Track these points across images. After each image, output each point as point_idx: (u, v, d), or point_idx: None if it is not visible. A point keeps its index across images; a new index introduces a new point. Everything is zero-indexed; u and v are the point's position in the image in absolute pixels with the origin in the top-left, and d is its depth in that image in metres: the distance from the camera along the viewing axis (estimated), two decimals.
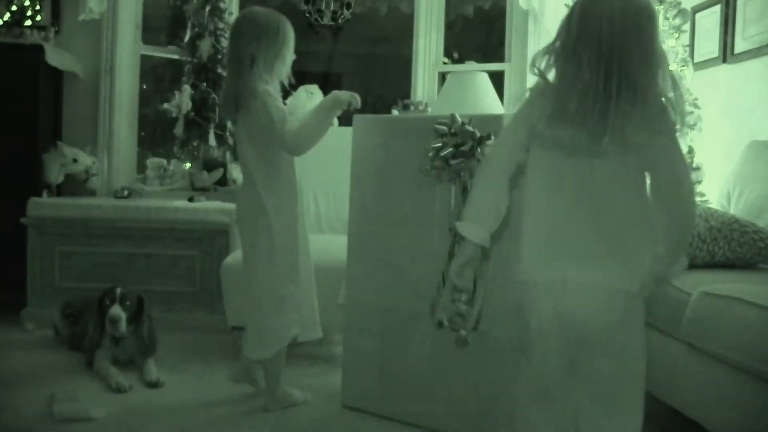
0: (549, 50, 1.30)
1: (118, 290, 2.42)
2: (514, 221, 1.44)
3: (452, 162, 1.89)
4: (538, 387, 1.37)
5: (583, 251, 1.29)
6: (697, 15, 3.15)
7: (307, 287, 2.19)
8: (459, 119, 1.90)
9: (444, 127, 1.92)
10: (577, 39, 1.26)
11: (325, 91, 3.73)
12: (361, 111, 2.14)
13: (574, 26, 1.27)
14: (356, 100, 2.04)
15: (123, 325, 2.37)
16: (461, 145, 1.88)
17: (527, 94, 1.34)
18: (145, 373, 2.34)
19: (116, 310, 2.37)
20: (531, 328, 1.34)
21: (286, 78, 2.14)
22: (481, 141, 1.87)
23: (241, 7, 3.94)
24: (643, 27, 1.25)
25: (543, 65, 1.30)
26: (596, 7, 1.25)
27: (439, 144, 1.91)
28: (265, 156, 2.06)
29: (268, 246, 2.04)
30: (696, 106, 2.78)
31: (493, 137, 1.86)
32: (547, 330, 1.32)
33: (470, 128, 1.88)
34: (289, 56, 2.11)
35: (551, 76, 1.31)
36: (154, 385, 2.28)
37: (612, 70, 1.22)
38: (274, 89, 2.06)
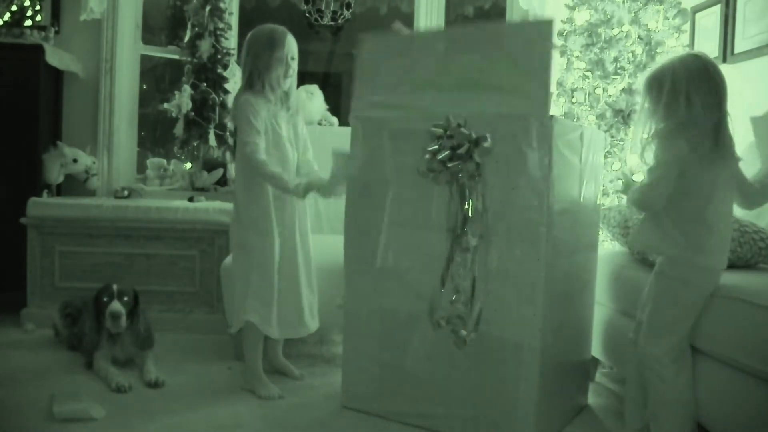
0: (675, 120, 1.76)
1: (115, 286, 2.43)
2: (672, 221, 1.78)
3: (449, 165, 1.89)
4: (681, 348, 1.79)
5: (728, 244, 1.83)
6: (697, 15, 3.15)
7: (291, 287, 2.30)
8: (453, 121, 1.90)
9: (440, 130, 1.92)
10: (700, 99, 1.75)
11: (325, 91, 3.75)
12: None
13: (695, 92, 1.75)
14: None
15: (124, 320, 2.39)
16: (458, 148, 1.88)
17: (672, 151, 1.75)
18: (145, 373, 2.34)
19: (116, 305, 2.38)
20: (690, 303, 1.76)
21: (278, 84, 2.28)
22: (477, 142, 1.87)
23: (241, 7, 3.94)
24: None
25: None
26: (715, 70, 1.79)
27: (436, 147, 1.91)
28: (240, 158, 2.28)
29: (240, 240, 2.28)
30: None
31: (489, 139, 1.86)
32: (700, 306, 1.76)
33: (465, 130, 1.88)
34: (279, 66, 2.26)
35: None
36: (154, 385, 2.28)
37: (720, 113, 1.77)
38: (265, 99, 2.25)
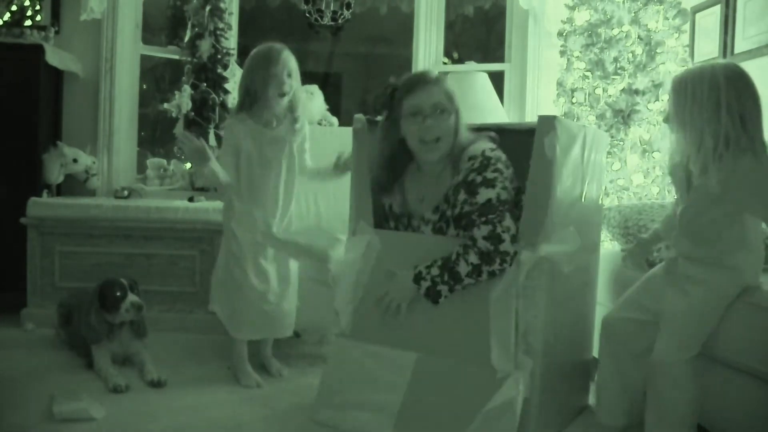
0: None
1: (124, 280, 2.46)
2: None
3: None
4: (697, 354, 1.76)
5: None
6: (697, 15, 3.16)
7: (278, 288, 2.37)
8: None
9: None
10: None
11: (325, 91, 3.75)
12: (362, 111, 2.15)
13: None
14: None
15: (144, 310, 2.47)
16: None
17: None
18: (145, 373, 2.34)
19: (136, 297, 2.44)
20: (722, 313, 1.73)
21: (275, 102, 2.29)
22: None
23: (241, 7, 3.94)
24: None
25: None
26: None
27: None
28: None
29: (224, 241, 2.39)
30: None
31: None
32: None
33: None
34: (273, 84, 2.26)
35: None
36: (156, 384, 2.29)
37: None
38: (255, 118, 2.31)
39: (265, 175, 2.34)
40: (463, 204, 1.85)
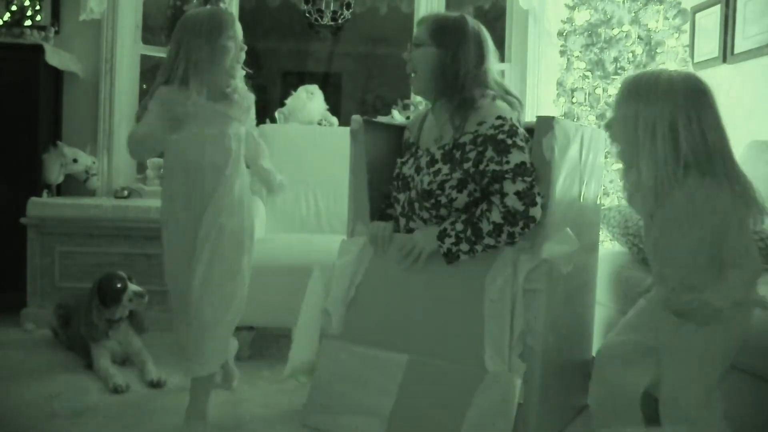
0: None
1: (122, 273, 2.48)
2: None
3: None
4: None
5: None
6: (697, 15, 3.15)
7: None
8: None
9: None
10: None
11: (325, 91, 3.75)
12: (361, 111, 2.14)
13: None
14: None
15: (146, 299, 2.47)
16: None
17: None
18: (146, 373, 2.35)
19: (136, 287, 2.46)
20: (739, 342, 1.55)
21: (224, 81, 1.94)
22: None
23: (241, 7, 3.94)
24: None
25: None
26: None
27: None
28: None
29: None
30: None
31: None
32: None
33: None
34: (226, 56, 1.91)
35: None
36: (156, 384, 2.29)
37: None
38: (196, 92, 1.85)
39: (193, 160, 1.91)
40: (489, 161, 1.83)
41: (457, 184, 1.87)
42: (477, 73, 1.92)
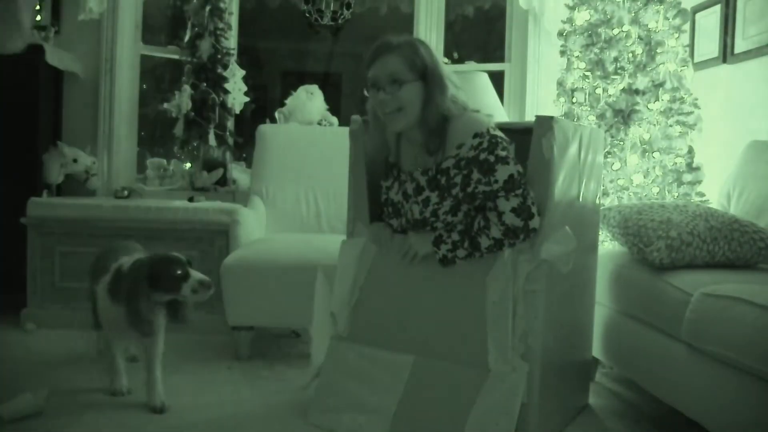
0: None
1: (180, 256, 2.00)
2: None
3: None
4: None
5: None
6: (697, 15, 3.15)
7: None
8: None
9: None
10: None
11: (325, 91, 3.75)
12: (361, 111, 2.14)
13: None
14: None
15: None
16: None
17: None
18: (151, 396, 2.10)
19: (200, 275, 1.99)
20: None
21: None
22: None
23: (241, 7, 3.94)
24: None
25: None
26: None
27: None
28: None
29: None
30: (696, 106, 2.78)
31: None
32: None
33: None
34: None
35: None
36: (159, 410, 2.06)
37: None
38: None
39: None
40: (477, 183, 1.81)
41: (450, 209, 1.87)
42: (453, 93, 1.88)
